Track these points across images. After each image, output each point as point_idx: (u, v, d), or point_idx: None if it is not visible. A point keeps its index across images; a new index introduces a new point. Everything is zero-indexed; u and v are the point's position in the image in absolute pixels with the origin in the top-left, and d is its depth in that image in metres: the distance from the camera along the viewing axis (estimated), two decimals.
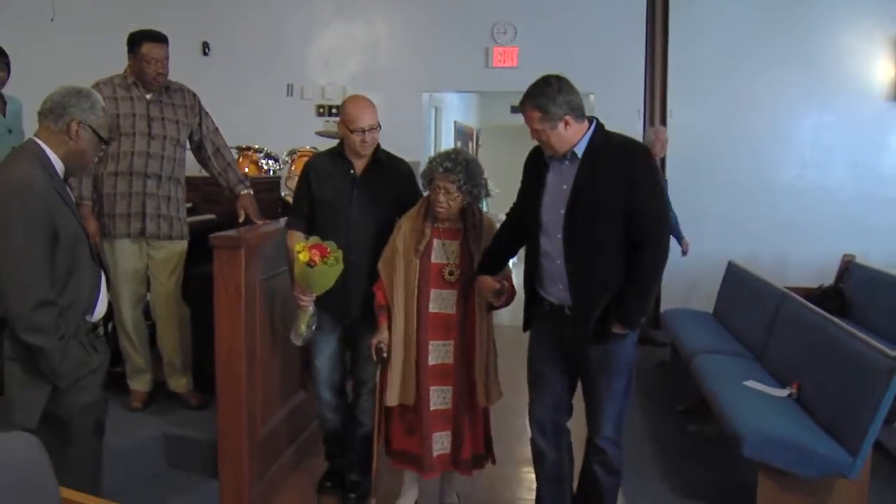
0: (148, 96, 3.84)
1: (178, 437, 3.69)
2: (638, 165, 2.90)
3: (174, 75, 4.02)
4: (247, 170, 6.04)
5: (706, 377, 4.36)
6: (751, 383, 4.13)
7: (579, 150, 2.91)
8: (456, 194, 3.26)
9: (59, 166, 2.51)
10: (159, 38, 3.83)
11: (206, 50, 7.57)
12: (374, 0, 7.49)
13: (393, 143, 3.65)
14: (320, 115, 7.56)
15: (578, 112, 2.89)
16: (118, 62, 5.97)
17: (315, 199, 3.47)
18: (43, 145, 2.50)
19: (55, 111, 2.49)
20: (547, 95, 2.85)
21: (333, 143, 5.53)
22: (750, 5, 7.02)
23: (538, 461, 3.28)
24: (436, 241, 3.35)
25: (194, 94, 4.04)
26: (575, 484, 3.34)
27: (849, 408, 3.46)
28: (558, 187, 2.96)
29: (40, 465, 2.12)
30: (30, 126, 4.83)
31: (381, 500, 3.63)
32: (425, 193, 3.44)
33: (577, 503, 3.30)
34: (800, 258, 6.79)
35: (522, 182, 3.20)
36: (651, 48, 7.12)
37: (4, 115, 4.49)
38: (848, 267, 6.18)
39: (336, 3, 7.49)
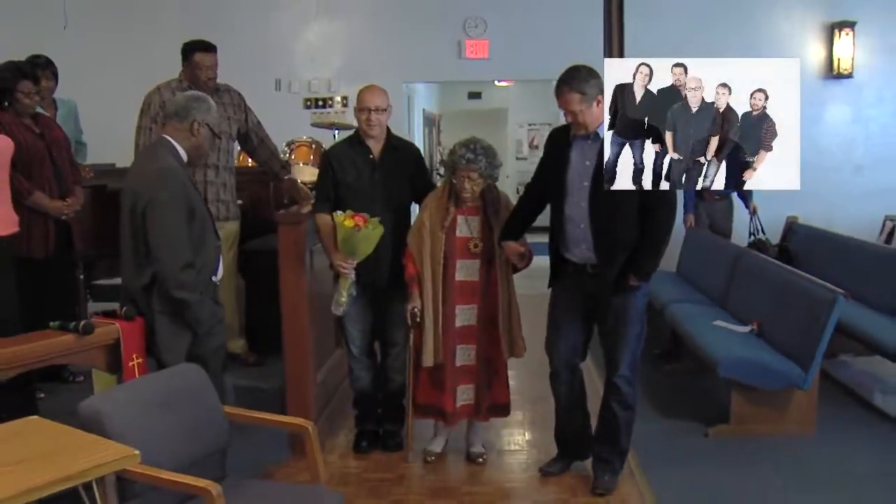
0: None
1: (247, 388, 4.27)
2: None
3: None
4: (251, 161, 6.57)
5: (680, 321, 5.11)
6: (718, 323, 4.87)
7: (601, 131, 3.33)
8: (478, 180, 3.69)
9: (185, 157, 3.11)
10: (209, 48, 4.39)
11: None
12: None
13: None
14: (307, 107, 8.04)
15: (603, 94, 3.28)
16: (130, 66, 6.48)
17: (339, 184, 3.81)
18: (172, 141, 3.09)
19: (180, 113, 3.09)
20: (582, 79, 3.32)
21: (328, 132, 6.09)
22: None
23: (556, 394, 3.81)
24: (459, 218, 3.77)
25: (240, 94, 4.59)
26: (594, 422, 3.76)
27: (801, 333, 4.23)
28: (581, 163, 3.43)
29: (208, 388, 2.75)
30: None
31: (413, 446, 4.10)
32: (437, 178, 3.95)
33: (598, 436, 3.71)
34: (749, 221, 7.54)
35: (544, 158, 3.67)
36: (609, 38, 7.83)
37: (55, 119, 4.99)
38: (791, 227, 6.95)
39: (320, 2, 7.97)
